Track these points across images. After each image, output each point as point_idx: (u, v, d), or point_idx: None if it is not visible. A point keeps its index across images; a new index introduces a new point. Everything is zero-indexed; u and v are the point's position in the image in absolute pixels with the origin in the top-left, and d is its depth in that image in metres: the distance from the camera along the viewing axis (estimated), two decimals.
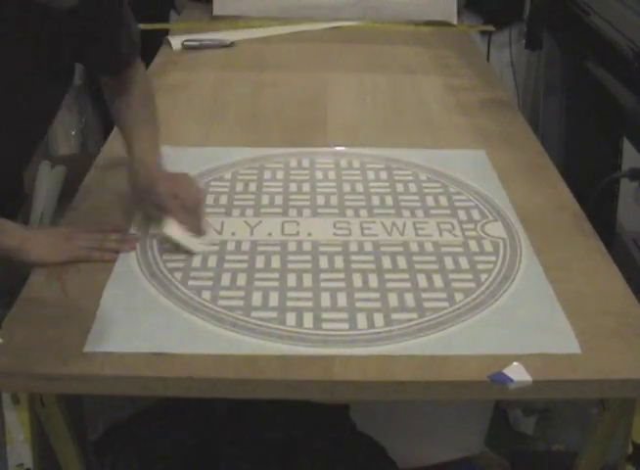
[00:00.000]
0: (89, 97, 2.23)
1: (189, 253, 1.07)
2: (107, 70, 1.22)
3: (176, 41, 1.93)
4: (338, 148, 1.40)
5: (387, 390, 0.87)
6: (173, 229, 1.08)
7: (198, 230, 1.10)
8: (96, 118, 2.39)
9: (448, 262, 1.06)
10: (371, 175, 1.30)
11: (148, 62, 1.81)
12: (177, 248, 1.08)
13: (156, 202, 1.11)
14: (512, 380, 0.85)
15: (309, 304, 0.97)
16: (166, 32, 2.03)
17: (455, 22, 2.14)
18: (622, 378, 0.87)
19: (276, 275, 1.02)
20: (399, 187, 1.26)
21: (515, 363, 0.87)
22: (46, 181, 2.17)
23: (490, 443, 1.53)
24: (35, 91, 1.08)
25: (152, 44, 1.95)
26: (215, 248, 1.08)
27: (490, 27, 2.24)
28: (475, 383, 0.86)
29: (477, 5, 2.33)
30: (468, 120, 1.52)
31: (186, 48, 1.91)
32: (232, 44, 1.94)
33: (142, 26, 1.98)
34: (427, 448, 1.46)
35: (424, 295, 0.99)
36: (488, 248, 1.10)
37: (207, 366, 0.87)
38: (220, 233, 1.12)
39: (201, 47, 1.92)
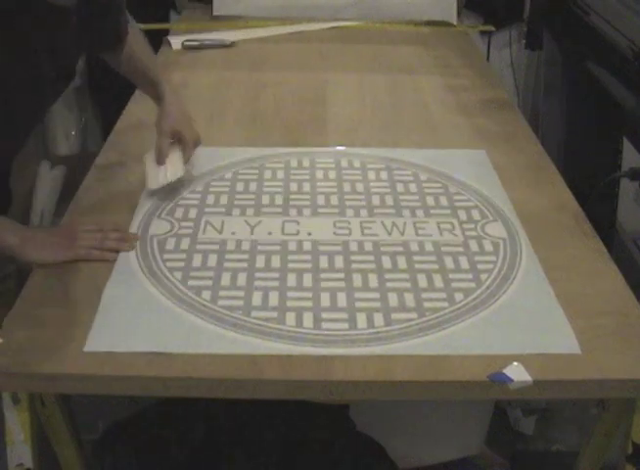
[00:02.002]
0: (89, 97, 2.23)
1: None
2: (111, 43, 1.24)
3: (176, 41, 1.93)
4: (338, 148, 1.40)
5: (387, 390, 0.87)
6: (148, 159, 1.20)
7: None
8: (96, 119, 2.39)
9: (448, 262, 1.06)
10: (371, 175, 1.30)
11: None
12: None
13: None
14: (512, 380, 0.85)
15: (309, 303, 0.97)
16: (166, 32, 2.03)
17: (455, 22, 2.14)
18: (622, 378, 0.87)
19: (276, 275, 1.02)
20: (400, 187, 1.26)
21: (515, 363, 0.87)
22: (46, 181, 2.17)
23: (490, 443, 1.53)
24: (45, 89, 1.09)
25: (152, 44, 1.95)
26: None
27: (490, 27, 2.24)
28: (475, 383, 0.86)
29: (477, 5, 2.33)
30: (468, 120, 1.52)
31: (186, 48, 1.91)
32: (232, 44, 1.94)
33: (142, 26, 1.99)
34: (427, 448, 1.46)
35: (424, 295, 0.99)
36: (488, 248, 1.10)
37: (207, 366, 0.87)
38: (220, 232, 1.12)
39: (201, 47, 1.92)
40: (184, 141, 1.23)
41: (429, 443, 1.46)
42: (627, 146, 1.68)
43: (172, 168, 1.21)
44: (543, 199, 1.23)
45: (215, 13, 2.12)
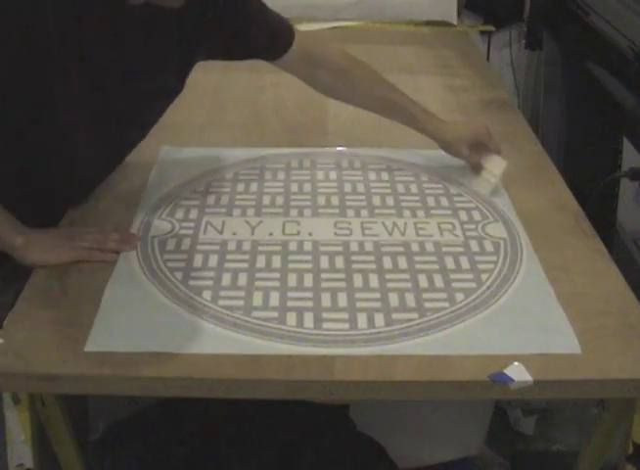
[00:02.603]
0: None
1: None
2: (267, 54, 1.24)
3: None
4: (339, 148, 1.40)
5: (387, 390, 0.87)
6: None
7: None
8: None
9: (449, 262, 1.06)
10: (372, 176, 1.30)
11: None
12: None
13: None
14: (512, 380, 0.85)
15: (310, 304, 0.97)
16: None
17: (455, 22, 2.14)
18: (622, 378, 0.87)
19: (277, 275, 1.02)
20: (400, 187, 1.26)
21: (515, 363, 0.87)
22: None
23: (490, 443, 1.53)
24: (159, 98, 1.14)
25: None
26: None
27: (490, 27, 2.24)
28: (475, 383, 0.86)
29: (477, 5, 2.33)
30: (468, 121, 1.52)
31: None
32: None
33: None
34: (427, 448, 1.47)
35: (424, 295, 0.99)
36: (489, 248, 1.10)
37: (207, 366, 0.87)
38: (221, 233, 1.12)
39: None
40: (485, 142, 1.27)
41: (429, 443, 1.46)
42: (627, 146, 1.69)
43: (494, 165, 1.27)
44: (543, 199, 1.23)
45: None
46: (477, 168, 1.29)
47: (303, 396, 0.92)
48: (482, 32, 2.31)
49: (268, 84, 1.69)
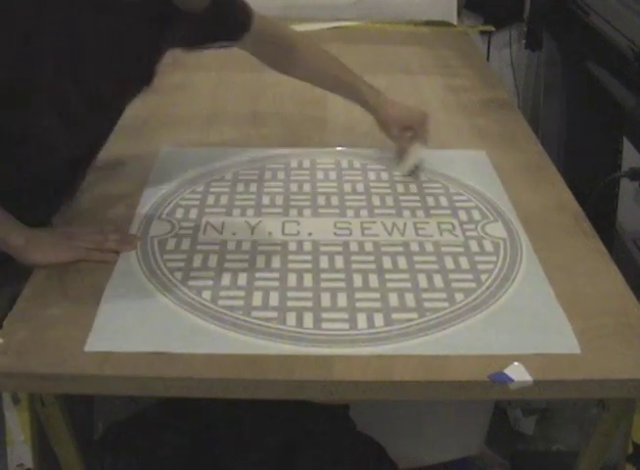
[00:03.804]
0: None
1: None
2: (230, 35, 1.29)
3: None
4: (338, 148, 1.40)
5: (387, 390, 0.87)
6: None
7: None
8: None
9: (448, 262, 1.06)
10: (372, 176, 1.30)
11: None
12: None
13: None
14: (512, 380, 0.85)
15: (309, 303, 0.97)
16: None
17: (455, 22, 2.14)
18: (622, 378, 0.87)
19: (276, 275, 1.02)
20: (400, 187, 1.26)
21: (515, 363, 0.87)
22: None
23: (490, 443, 1.53)
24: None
25: None
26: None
27: (490, 27, 2.24)
28: (475, 383, 0.86)
29: (477, 5, 2.33)
30: (468, 120, 1.52)
31: None
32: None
33: None
34: (427, 448, 1.46)
35: (424, 295, 0.99)
36: (489, 248, 1.10)
37: (207, 366, 0.87)
38: (221, 233, 1.12)
39: None
40: (415, 129, 1.31)
41: (429, 443, 1.46)
42: (627, 146, 1.69)
43: (414, 153, 1.31)
44: (543, 199, 1.23)
45: None
46: (400, 152, 1.32)
47: (303, 396, 0.91)
48: (482, 32, 2.32)
49: (267, 84, 1.69)
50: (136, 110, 1.50)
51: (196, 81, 1.72)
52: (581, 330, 0.93)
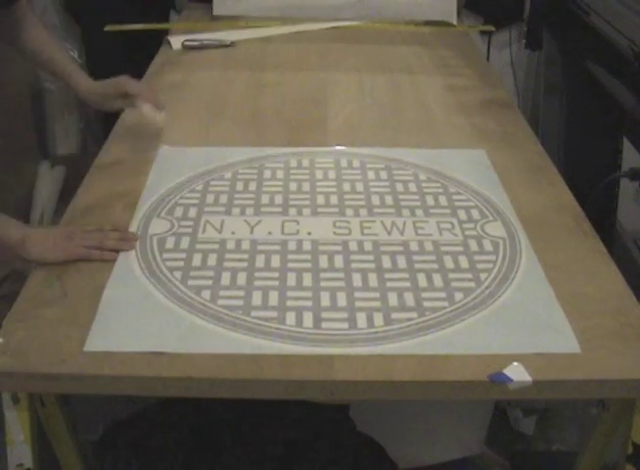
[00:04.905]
0: None
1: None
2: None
3: (176, 41, 1.93)
4: (337, 147, 1.40)
5: (387, 390, 0.87)
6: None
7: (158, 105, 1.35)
8: (96, 119, 2.39)
9: (448, 262, 1.06)
10: (371, 175, 1.30)
11: (148, 62, 1.81)
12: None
13: (122, 90, 1.32)
14: (512, 380, 0.85)
15: (309, 303, 0.97)
16: (166, 32, 2.03)
17: (455, 22, 2.14)
18: (622, 378, 0.87)
19: (276, 274, 1.02)
20: (399, 186, 1.26)
21: (515, 363, 0.87)
22: (46, 181, 2.17)
23: (490, 443, 1.53)
24: None
25: (152, 44, 1.95)
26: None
27: (490, 27, 2.24)
28: (475, 383, 0.86)
29: (477, 5, 2.33)
30: (468, 120, 1.52)
31: (186, 48, 1.91)
32: (232, 44, 1.94)
33: (142, 26, 2.00)
34: (427, 448, 1.46)
35: (423, 294, 0.99)
36: (488, 247, 1.10)
37: (207, 366, 0.87)
38: (220, 232, 1.12)
39: (201, 47, 1.92)
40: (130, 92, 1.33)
41: (429, 443, 1.46)
42: (627, 146, 1.68)
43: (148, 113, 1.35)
44: (543, 199, 1.23)
45: (215, 13, 2.12)
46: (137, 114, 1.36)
47: (303, 396, 0.91)
48: (482, 32, 2.31)
49: (267, 84, 1.69)
50: (136, 110, 1.50)
51: (196, 81, 1.72)
52: (581, 330, 0.93)
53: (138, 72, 1.72)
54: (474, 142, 1.43)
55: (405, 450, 1.43)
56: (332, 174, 1.30)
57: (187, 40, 1.92)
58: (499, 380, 0.85)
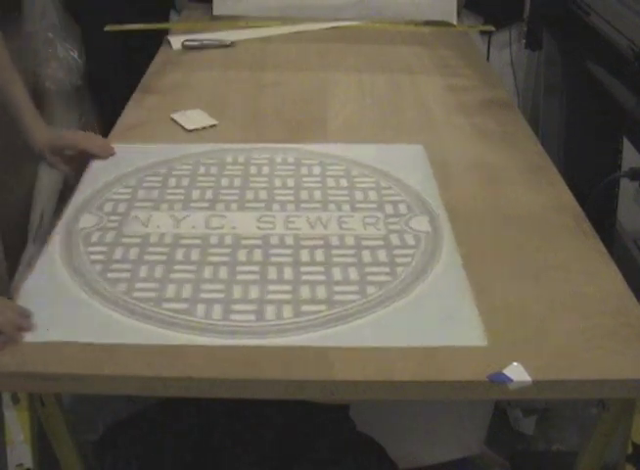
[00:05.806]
0: (89, 97, 2.23)
1: None
2: None
3: (176, 41, 1.93)
4: (273, 144, 1.39)
5: (387, 390, 0.87)
6: None
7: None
8: (96, 119, 2.39)
9: (366, 256, 1.06)
10: (304, 170, 1.30)
11: (148, 62, 1.81)
12: None
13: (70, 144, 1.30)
14: (512, 380, 0.85)
15: (221, 295, 0.98)
16: (166, 32, 2.03)
17: (455, 22, 2.14)
18: (622, 378, 0.87)
19: (193, 267, 1.03)
20: (330, 182, 1.26)
21: (514, 363, 0.87)
22: (46, 181, 2.17)
23: (490, 443, 1.53)
24: None
25: (152, 44, 1.95)
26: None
27: (490, 27, 2.24)
28: (475, 383, 0.86)
29: (477, 5, 2.33)
30: (468, 120, 1.52)
31: (186, 48, 1.91)
32: (232, 44, 1.94)
33: (142, 26, 2.00)
34: (427, 448, 1.47)
35: (336, 288, 0.99)
36: (410, 241, 1.09)
37: (207, 366, 0.87)
38: (146, 226, 1.12)
39: (201, 47, 1.92)
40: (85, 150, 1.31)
41: (429, 443, 1.46)
42: (627, 146, 1.68)
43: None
44: (543, 199, 1.23)
45: (215, 13, 2.12)
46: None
47: (303, 396, 0.91)
48: (482, 32, 2.31)
49: (267, 84, 1.69)
50: (136, 110, 1.51)
51: (196, 81, 1.72)
52: (581, 330, 0.93)
53: (138, 72, 1.73)
54: (473, 142, 1.43)
55: (405, 450, 1.43)
56: (265, 170, 1.30)
57: (187, 40, 1.93)
58: (499, 380, 0.85)
